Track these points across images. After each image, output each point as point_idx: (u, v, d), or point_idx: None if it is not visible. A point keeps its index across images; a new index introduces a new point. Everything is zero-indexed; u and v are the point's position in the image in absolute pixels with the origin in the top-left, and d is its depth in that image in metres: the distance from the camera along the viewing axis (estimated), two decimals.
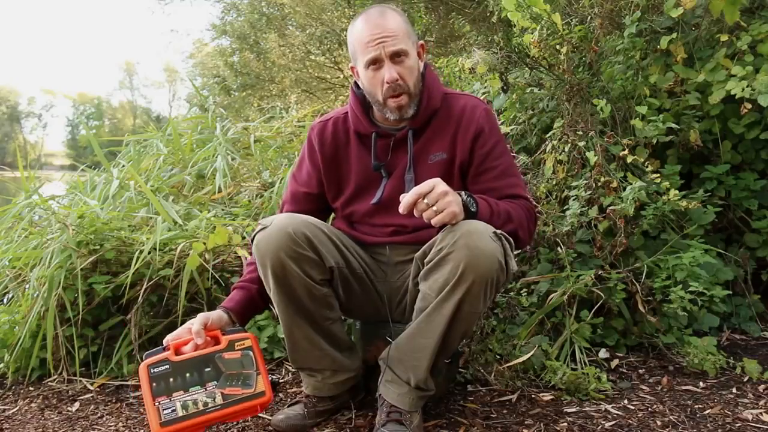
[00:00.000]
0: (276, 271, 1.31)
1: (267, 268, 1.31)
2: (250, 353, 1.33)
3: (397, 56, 1.33)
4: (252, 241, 1.35)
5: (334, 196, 1.53)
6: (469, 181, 1.42)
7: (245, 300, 1.43)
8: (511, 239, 1.27)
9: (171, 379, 1.24)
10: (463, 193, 1.25)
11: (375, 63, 1.34)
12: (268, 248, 1.30)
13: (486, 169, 1.40)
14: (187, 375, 1.26)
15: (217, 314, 1.37)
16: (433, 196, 1.18)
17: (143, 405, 1.66)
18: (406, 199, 1.19)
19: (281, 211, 1.58)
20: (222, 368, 1.29)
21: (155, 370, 1.25)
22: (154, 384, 1.24)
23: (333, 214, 1.62)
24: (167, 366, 1.26)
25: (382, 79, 1.33)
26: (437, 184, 1.19)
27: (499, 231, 1.23)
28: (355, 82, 1.49)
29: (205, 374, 1.27)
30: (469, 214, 1.24)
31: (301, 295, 1.35)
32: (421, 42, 1.44)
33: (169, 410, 1.22)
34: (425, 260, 1.27)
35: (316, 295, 1.36)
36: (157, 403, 1.22)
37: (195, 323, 1.31)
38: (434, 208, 1.18)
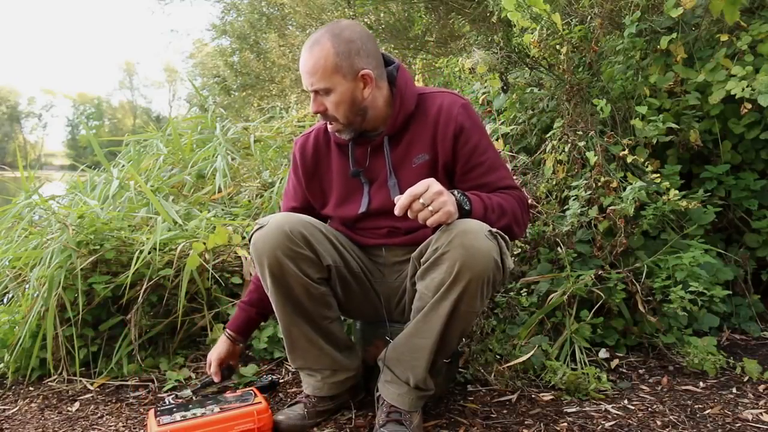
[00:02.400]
0: (273, 270, 1.31)
1: (264, 267, 1.32)
2: (251, 391, 1.48)
3: (317, 93, 1.35)
4: (250, 240, 1.36)
5: (321, 205, 1.55)
6: (457, 179, 1.41)
7: (244, 321, 1.60)
8: (506, 237, 1.27)
9: (174, 409, 1.39)
10: (455, 191, 1.25)
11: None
12: (264, 247, 1.31)
13: (473, 166, 1.38)
14: (190, 406, 1.41)
15: (225, 346, 1.61)
16: (428, 196, 1.17)
17: (143, 405, 1.66)
18: (401, 201, 1.18)
19: None
20: (222, 400, 1.44)
21: (161, 408, 1.41)
22: (159, 412, 1.37)
23: None
24: (173, 405, 1.43)
25: None
26: (431, 185, 1.18)
27: (494, 229, 1.23)
28: None
29: (206, 404, 1.41)
30: (462, 213, 1.24)
31: (299, 294, 1.35)
32: (366, 71, 1.33)
33: (169, 417, 1.34)
34: (421, 260, 1.27)
35: (314, 294, 1.37)
36: (158, 417, 1.34)
37: (212, 365, 1.60)
38: (430, 208, 1.17)
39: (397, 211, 1.19)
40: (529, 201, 1.46)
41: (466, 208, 1.24)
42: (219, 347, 1.61)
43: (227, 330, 1.61)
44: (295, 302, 1.36)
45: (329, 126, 1.42)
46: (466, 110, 1.39)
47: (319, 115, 1.38)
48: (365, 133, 1.44)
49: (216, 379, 1.61)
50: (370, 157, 1.44)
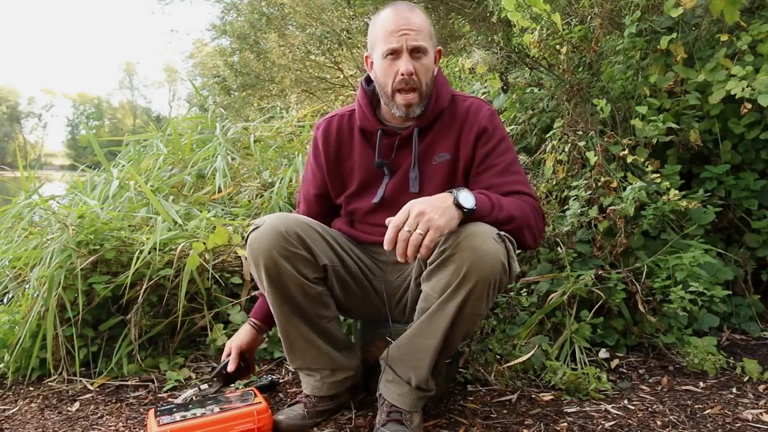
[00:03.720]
0: (269, 271, 1.32)
1: (260, 268, 1.32)
2: (251, 391, 1.48)
3: (416, 52, 1.34)
4: (246, 241, 1.36)
5: (338, 193, 1.54)
6: (471, 180, 1.41)
7: (268, 309, 1.47)
8: (513, 240, 1.26)
9: (174, 409, 1.39)
10: (454, 190, 1.19)
11: (393, 53, 1.34)
12: (260, 248, 1.31)
13: (487, 167, 1.38)
14: (190, 406, 1.40)
15: (248, 335, 1.57)
16: (410, 222, 1.12)
17: (143, 405, 1.66)
18: (387, 236, 1.13)
19: (297, 212, 1.62)
20: (222, 400, 1.43)
21: (161, 407, 1.41)
22: (158, 412, 1.37)
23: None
24: (173, 405, 1.43)
25: (397, 71, 1.33)
26: (411, 208, 1.14)
27: (502, 233, 1.22)
28: (366, 78, 1.49)
29: (206, 404, 1.41)
30: (464, 212, 1.18)
31: (295, 294, 1.35)
32: (439, 48, 1.45)
33: (169, 418, 1.34)
34: (428, 261, 1.27)
35: (310, 294, 1.37)
36: (158, 417, 1.34)
37: (233, 352, 1.54)
38: (418, 231, 1.11)
39: (386, 246, 1.14)
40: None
41: (467, 206, 1.17)
42: (241, 336, 1.57)
43: (252, 319, 1.57)
44: (291, 302, 1.36)
45: (402, 97, 1.36)
46: (491, 115, 1.41)
47: (401, 78, 1.33)
48: (393, 126, 1.45)
49: (231, 368, 1.53)
50: (396, 149, 1.44)
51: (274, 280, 1.33)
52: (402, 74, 1.32)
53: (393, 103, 1.38)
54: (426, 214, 1.12)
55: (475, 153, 1.39)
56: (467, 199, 1.18)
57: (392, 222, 1.14)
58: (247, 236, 1.35)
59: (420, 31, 1.33)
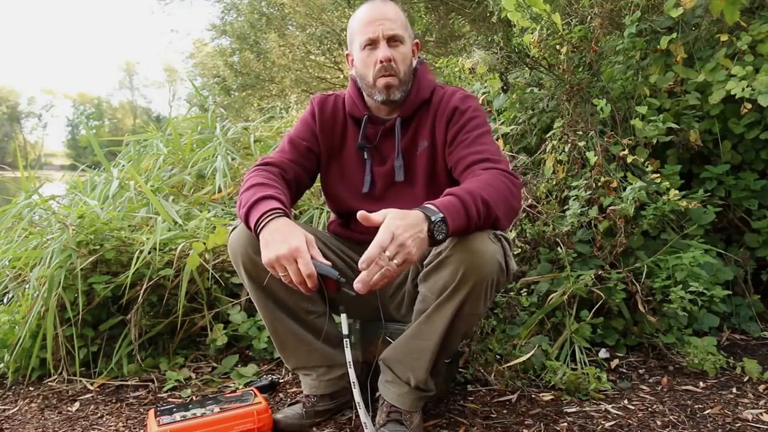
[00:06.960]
0: (247, 268, 1.33)
1: (240, 266, 1.33)
2: (251, 391, 1.49)
3: (392, 40, 1.37)
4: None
5: (326, 165, 1.51)
6: (447, 158, 1.40)
7: (284, 200, 1.30)
8: (509, 239, 1.26)
9: (174, 409, 1.40)
10: (432, 217, 1.08)
11: (371, 44, 1.37)
12: (237, 246, 1.32)
13: (458, 143, 1.36)
14: (190, 406, 1.41)
15: (296, 226, 1.20)
16: (392, 248, 1.04)
17: (143, 405, 1.66)
18: (369, 253, 1.05)
19: (270, 158, 1.45)
20: (222, 400, 1.45)
21: (161, 408, 1.42)
22: (158, 412, 1.38)
23: (330, 215, 1.61)
24: (173, 405, 1.43)
25: (376, 60, 1.37)
26: (395, 233, 1.05)
27: (499, 232, 1.22)
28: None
29: (206, 404, 1.42)
30: (434, 241, 1.09)
31: (277, 289, 1.35)
32: (417, 41, 1.48)
33: (169, 418, 1.35)
34: (424, 262, 1.26)
35: (292, 288, 1.36)
36: (158, 417, 1.35)
37: (305, 261, 1.15)
38: (395, 261, 1.05)
39: (362, 266, 1.06)
40: (522, 186, 1.33)
41: (439, 238, 1.09)
42: (294, 233, 1.17)
43: (278, 209, 1.22)
44: (274, 298, 1.37)
45: (383, 80, 1.37)
46: (463, 97, 1.42)
47: (380, 65, 1.35)
48: (380, 117, 1.46)
49: (310, 285, 1.15)
50: (380, 137, 1.45)
51: (253, 276, 1.34)
52: (381, 61, 1.36)
53: (374, 89, 1.40)
54: (406, 247, 1.05)
55: (448, 133, 1.40)
56: (441, 229, 1.09)
57: (376, 241, 1.05)
58: (228, 237, 1.36)
59: (395, 20, 1.38)
